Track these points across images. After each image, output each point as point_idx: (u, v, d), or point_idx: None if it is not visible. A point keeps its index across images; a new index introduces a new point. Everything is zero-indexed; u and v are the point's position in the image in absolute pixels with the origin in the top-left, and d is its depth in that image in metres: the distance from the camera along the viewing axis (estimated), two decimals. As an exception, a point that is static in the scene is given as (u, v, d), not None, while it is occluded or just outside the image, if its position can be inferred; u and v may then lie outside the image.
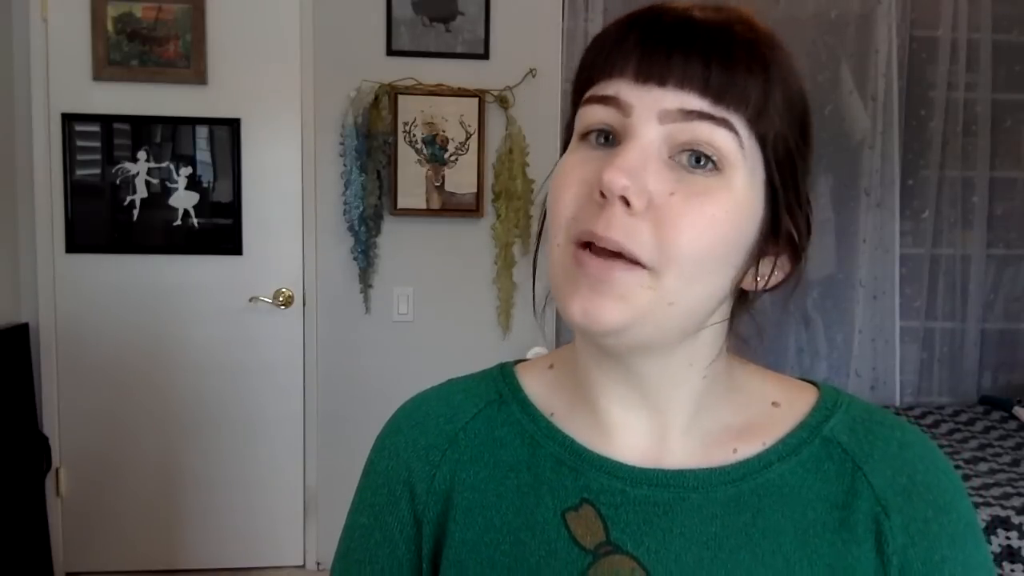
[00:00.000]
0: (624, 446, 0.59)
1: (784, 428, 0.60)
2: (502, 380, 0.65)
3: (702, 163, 0.52)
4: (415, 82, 2.67)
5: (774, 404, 0.61)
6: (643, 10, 0.55)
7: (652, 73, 0.52)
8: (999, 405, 2.94)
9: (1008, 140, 3.02)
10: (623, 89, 0.52)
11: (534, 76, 2.71)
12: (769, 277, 0.57)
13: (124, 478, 2.76)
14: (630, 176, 0.50)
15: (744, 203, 0.53)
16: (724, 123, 0.51)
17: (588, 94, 0.55)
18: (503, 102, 2.70)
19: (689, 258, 0.51)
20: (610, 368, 0.58)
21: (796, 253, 0.57)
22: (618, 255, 0.51)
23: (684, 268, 0.51)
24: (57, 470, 2.72)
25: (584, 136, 0.55)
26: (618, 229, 0.50)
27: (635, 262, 0.51)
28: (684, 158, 0.52)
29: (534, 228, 2.74)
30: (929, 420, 2.83)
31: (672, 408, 0.59)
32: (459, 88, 2.68)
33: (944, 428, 2.76)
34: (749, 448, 0.59)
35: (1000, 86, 2.97)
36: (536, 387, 0.64)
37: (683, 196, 0.51)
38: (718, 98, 0.51)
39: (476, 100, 2.67)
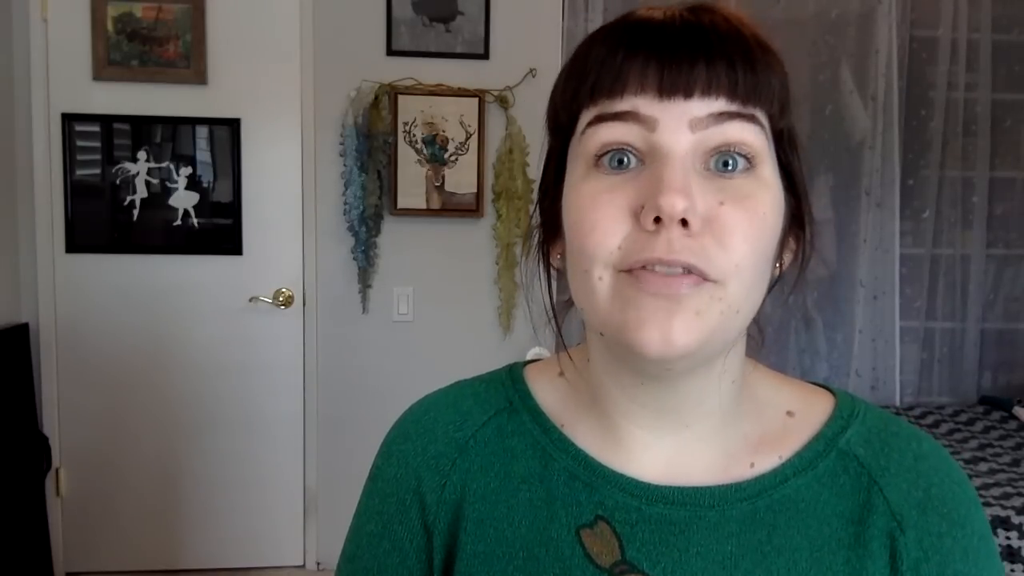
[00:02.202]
0: (641, 463, 0.58)
1: (800, 440, 0.59)
2: (511, 386, 0.64)
3: (731, 166, 0.51)
4: (415, 82, 2.67)
5: (789, 413, 0.60)
6: (625, 22, 0.53)
7: (677, 86, 0.50)
8: (999, 405, 2.94)
9: (1008, 140, 3.02)
10: (641, 104, 0.50)
11: (534, 76, 2.71)
12: (785, 261, 0.57)
13: (124, 478, 2.76)
14: (685, 195, 0.48)
15: (777, 195, 0.53)
16: (752, 119, 0.51)
17: (597, 112, 0.52)
18: (503, 102, 2.70)
19: (750, 263, 0.50)
20: (641, 393, 0.57)
21: (798, 233, 0.57)
22: (681, 273, 0.49)
23: (747, 274, 0.50)
24: (57, 470, 2.72)
25: (596, 161, 0.52)
26: (683, 250, 0.48)
27: (703, 278, 0.49)
28: (713, 163, 0.51)
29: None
30: (929, 420, 2.83)
31: (698, 422, 0.58)
32: (459, 88, 2.68)
33: (944, 428, 2.76)
34: (766, 462, 0.58)
35: (1000, 86, 2.97)
36: (547, 395, 0.63)
37: (732, 203, 0.50)
38: (746, 99, 0.50)
39: (476, 100, 2.67)
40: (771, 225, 0.52)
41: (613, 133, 0.51)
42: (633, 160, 0.51)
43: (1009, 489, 2.15)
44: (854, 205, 2.96)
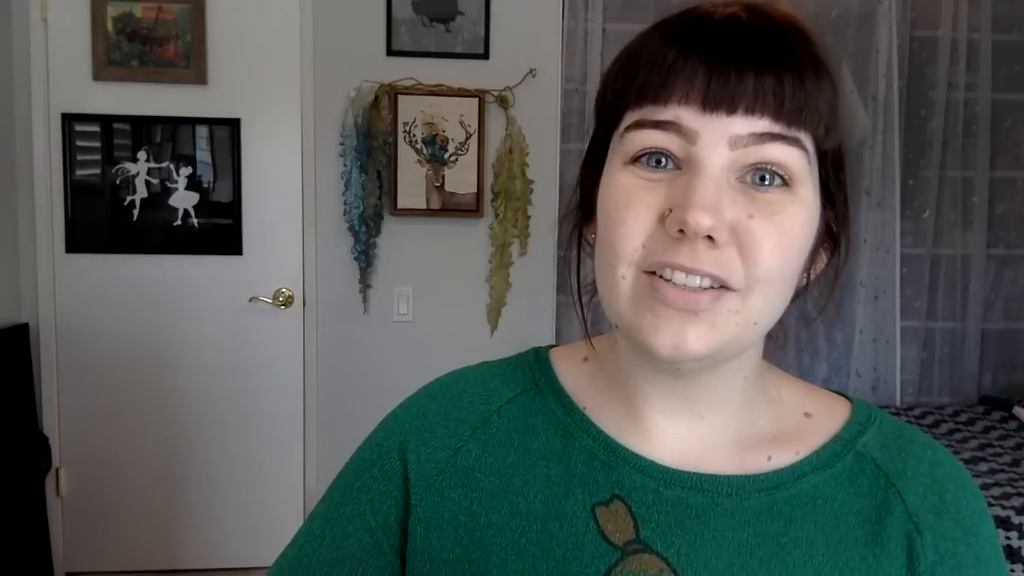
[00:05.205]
0: (660, 447, 0.59)
1: (817, 440, 0.60)
2: (538, 368, 0.65)
3: (767, 181, 0.51)
4: (415, 82, 2.67)
5: (806, 415, 0.61)
6: (685, 17, 0.53)
7: (721, 102, 0.50)
8: (999, 405, 2.94)
9: (1008, 140, 3.02)
10: (684, 115, 0.50)
11: (534, 76, 2.71)
12: (815, 270, 0.58)
13: (124, 477, 2.76)
14: (713, 214, 0.49)
15: (812, 213, 0.54)
16: (795, 142, 0.51)
17: (639, 117, 0.52)
18: (503, 102, 2.70)
19: (775, 277, 0.51)
20: (659, 381, 0.58)
21: (834, 241, 0.58)
22: (700, 288, 0.50)
23: (770, 287, 0.52)
24: (57, 470, 2.72)
25: (635, 159, 0.53)
26: (707, 261, 0.50)
27: (724, 287, 0.51)
28: (750, 176, 0.51)
29: (533, 229, 2.74)
30: (929, 420, 2.83)
31: (714, 414, 0.59)
32: (459, 88, 2.68)
33: (944, 428, 2.76)
34: (783, 457, 0.59)
35: (1000, 86, 2.97)
36: (570, 378, 0.64)
37: (761, 217, 0.50)
38: (791, 120, 0.50)
39: (476, 100, 2.67)
40: (800, 241, 0.52)
41: (653, 139, 0.52)
42: (670, 163, 0.52)
43: (1009, 489, 2.15)
44: (854, 205, 2.92)
